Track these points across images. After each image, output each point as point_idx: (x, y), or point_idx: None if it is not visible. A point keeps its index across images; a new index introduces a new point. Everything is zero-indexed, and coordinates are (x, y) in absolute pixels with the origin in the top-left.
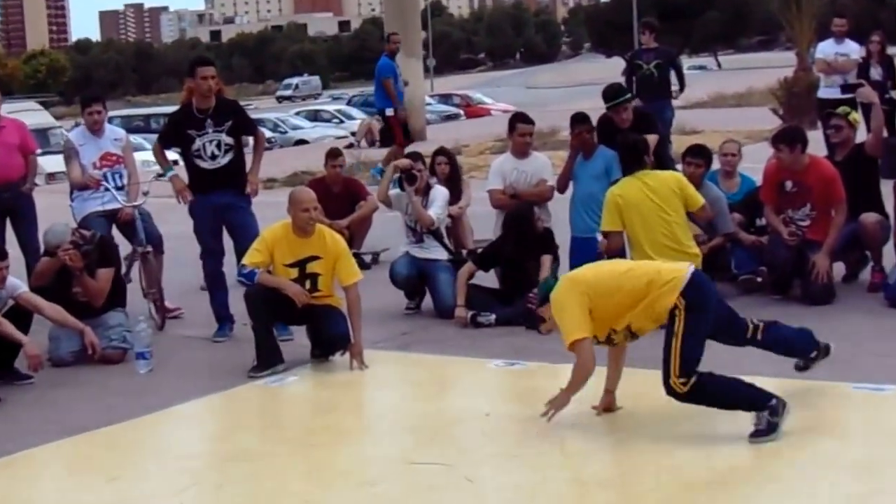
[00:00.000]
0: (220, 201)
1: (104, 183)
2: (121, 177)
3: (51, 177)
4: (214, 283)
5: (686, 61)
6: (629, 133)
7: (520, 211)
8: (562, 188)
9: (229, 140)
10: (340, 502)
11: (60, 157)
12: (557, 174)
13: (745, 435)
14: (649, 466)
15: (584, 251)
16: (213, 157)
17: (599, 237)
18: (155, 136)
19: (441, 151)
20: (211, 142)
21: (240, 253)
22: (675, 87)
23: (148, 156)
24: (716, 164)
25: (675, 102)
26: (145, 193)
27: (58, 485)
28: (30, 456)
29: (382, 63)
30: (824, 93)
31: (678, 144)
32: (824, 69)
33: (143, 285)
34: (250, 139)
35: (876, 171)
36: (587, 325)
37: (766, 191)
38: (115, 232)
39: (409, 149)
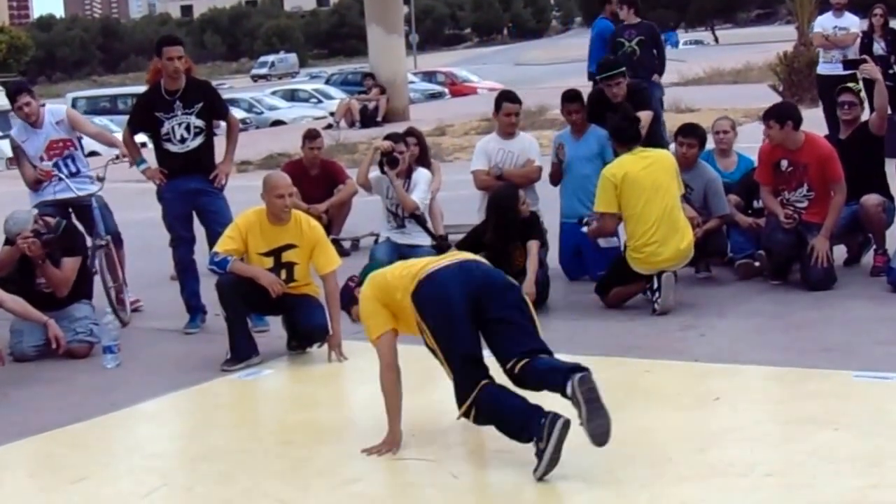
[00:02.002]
0: (189, 186)
1: (56, 173)
2: (73, 161)
3: (12, 161)
4: (185, 272)
5: (682, 36)
6: (626, 107)
7: (502, 194)
8: (555, 181)
9: (199, 123)
10: (318, 503)
11: None
12: (547, 155)
13: (739, 427)
14: (640, 460)
15: (573, 236)
16: (183, 140)
17: (585, 228)
18: (122, 118)
19: (410, 132)
20: (180, 124)
21: (211, 240)
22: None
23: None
24: (710, 143)
25: (665, 79)
26: (101, 179)
27: (20, 487)
28: None
29: (601, 25)
30: (824, 69)
31: (672, 123)
32: (822, 43)
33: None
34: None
35: (881, 150)
36: (382, 320)
37: (762, 171)
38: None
39: (389, 129)
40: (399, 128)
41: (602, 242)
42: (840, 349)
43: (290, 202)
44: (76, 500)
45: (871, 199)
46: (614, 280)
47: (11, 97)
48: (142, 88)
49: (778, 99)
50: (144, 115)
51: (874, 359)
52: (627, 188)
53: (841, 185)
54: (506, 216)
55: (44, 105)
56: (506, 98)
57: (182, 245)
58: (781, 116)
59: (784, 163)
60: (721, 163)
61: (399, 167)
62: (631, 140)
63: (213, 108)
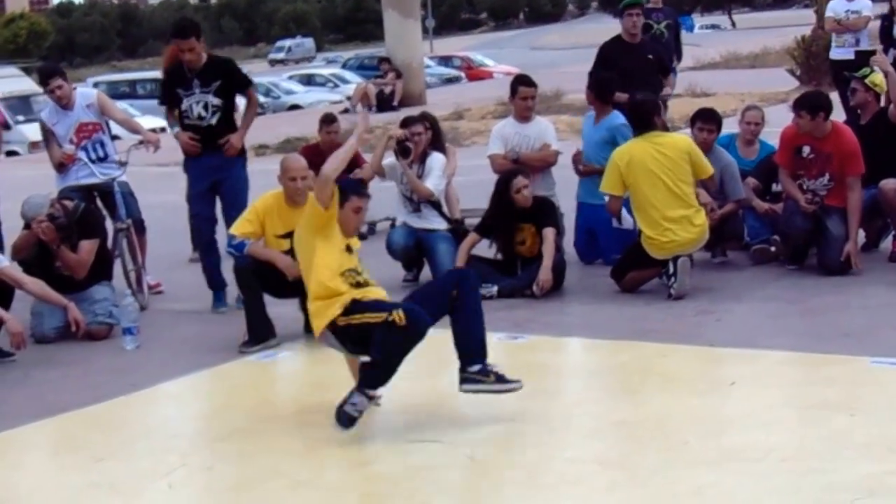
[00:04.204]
0: (212, 162)
1: (79, 157)
2: (102, 145)
3: (33, 146)
4: (205, 248)
5: (698, 20)
6: (641, 93)
7: (499, 180)
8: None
9: (216, 101)
10: (335, 483)
11: None
12: (563, 140)
13: (755, 412)
14: (656, 445)
15: (588, 218)
16: (201, 118)
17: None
18: (141, 102)
19: (423, 116)
20: (198, 102)
21: (228, 219)
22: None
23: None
24: (731, 128)
25: (681, 63)
26: (123, 164)
27: (42, 466)
28: (13, 436)
29: None
30: (836, 53)
31: (690, 107)
32: (835, 28)
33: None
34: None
35: None
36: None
37: (783, 154)
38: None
39: (405, 113)
40: (415, 112)
41: (615, 223)
42: (857, 335)
43: (303, 185)
44: (96, 480)
45: (891, 184)
46: (630, 264)
47: (44, 80)
48: (159, 73)
49: (795, 83)
50: (167, 92)
51: (891, 344)
52: (632, 172)
53: (858, 180)
54: (500, 202)
55: (75, 88)
56: (521, 82)
57: (202, 223)
58: (814, 108)
59: (806, 149)
60: (743, 151)
61: (411, 156)
62: (642, 126)
63: (233, 85)
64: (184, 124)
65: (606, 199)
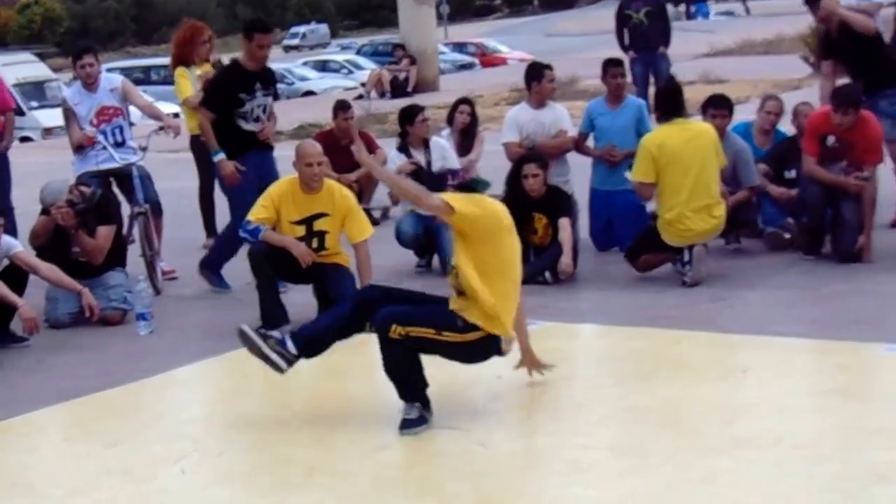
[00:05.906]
0: (259, 160)
1: (99, 139)
2: (121, 131)
3: (47, 132)
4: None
5: (713, 7)
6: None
7: (515, 164)
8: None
9: (269, 102)
10: (347, 470)
11: (57, 111)
12: (577, 124)
13: (767, 399)
14: (668, 431)
15: (605, 207)
16: (257, 119)
17: (628, 174)
18: (154, 88)
19: (464, 100)
20: (258, 105)
21: None
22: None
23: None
24: (743, 115)
25: (695, 51)
26: (143, 149)
27: (55, 451)
28: (26, 421)
29: None
30: None
31: (704, 94)
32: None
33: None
34: None
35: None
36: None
37: (811, 143)
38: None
39: (419, 99)
40: (429, 98)
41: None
42: (870, 322)
43: (319, 171)
44: (109, 465)
45: None
46: (645, 246)
47: (77, 55)
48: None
49: (809, 70)
50: (226, 95)
51: None
52: (665, 159)
53: (873, 171)
54: (513, 189)
55: (101, 71)
56: (544, 67)
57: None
58: (858, 104)
59: (831, 139)
60: (759, 140)
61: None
62: (672, 111)
63: (276, 90)
64: (235, 125)
65: (634, 185)
